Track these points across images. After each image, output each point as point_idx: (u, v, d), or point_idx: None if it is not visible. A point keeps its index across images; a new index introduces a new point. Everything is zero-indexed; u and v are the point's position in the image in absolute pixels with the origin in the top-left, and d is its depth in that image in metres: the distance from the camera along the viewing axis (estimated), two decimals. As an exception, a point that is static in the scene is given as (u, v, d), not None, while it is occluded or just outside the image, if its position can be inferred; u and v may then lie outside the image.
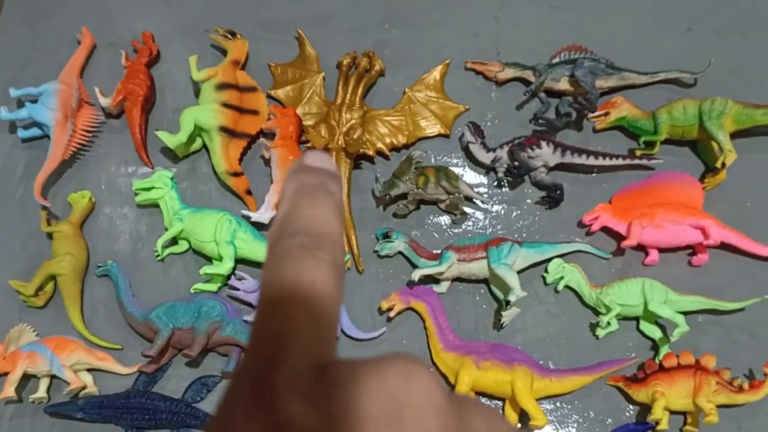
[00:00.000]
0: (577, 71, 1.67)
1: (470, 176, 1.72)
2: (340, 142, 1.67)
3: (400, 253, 1.64)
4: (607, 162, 1.64)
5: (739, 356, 1.51)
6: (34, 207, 1.71)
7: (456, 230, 1.68)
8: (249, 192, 1.71)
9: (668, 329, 1.52)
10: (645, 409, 1.49)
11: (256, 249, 1.61)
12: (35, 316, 1.66)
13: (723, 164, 1.55)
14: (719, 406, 1.42)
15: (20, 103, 1.78)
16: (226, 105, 1.69)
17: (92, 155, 1.80)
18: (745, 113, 1.59)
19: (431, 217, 1.70)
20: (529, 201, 1.69)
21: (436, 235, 1.68)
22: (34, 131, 1.77)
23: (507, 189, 1.70)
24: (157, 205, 1.70)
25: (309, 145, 1.68)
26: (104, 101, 1.76)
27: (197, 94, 1.78)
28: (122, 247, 1.72)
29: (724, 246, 1.56)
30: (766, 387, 1.43)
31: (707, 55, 1.72)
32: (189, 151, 1.76)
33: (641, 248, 1.60)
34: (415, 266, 1.61)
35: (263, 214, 1.63)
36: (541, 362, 1.54)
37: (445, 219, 1.69)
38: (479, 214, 1.69)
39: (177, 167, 1.78)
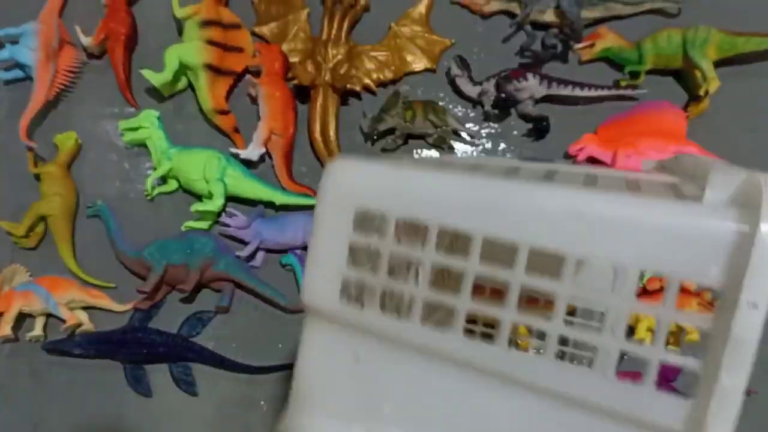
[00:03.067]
0: (563, 1, 1.67)
1: (457, 110, 1.73)
2: (326, 78, 1.66)
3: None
4: (593, 93, 1.66)
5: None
6: (20, 148, 1.71)
7: (444, 164, 1.69)
8: (236, 130, 1.71)
9: None
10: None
11: (246, 186, 1.62)
12: (27, 256, 1.67)
13: (706, 92, 1.57)
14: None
15: (0, 45, 1.74)
16: (210, 42, 1.67)
17: (76, 96, 1.78)
18: (727, 41, 1.61)
19: (419, 152, 1.71)
20: (515, 133, 1.71)
21: (424, 169, 1.69)
22: (17, 73, 1.75)
23: (494, 122, 1.71)
24: (144, 145, 1.70)
25: (296, 81, 1.67)
26: (86, 40, 1.74)
27: (180, 32, 1.76)
28: (111, 187, 1.72)
29: (707, 173, 1.59)
30: (746, 306, 1.47)
31: (692, -16, 1.72)
32: (174, 90, 1.75)
33: (626, 177, 1.62)
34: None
35: (252, 152, 1.63)
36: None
37: (433, 153, 1.70)
38: (467, 148, 1.70)
39: (163, 107, 1.77)
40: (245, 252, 1.58)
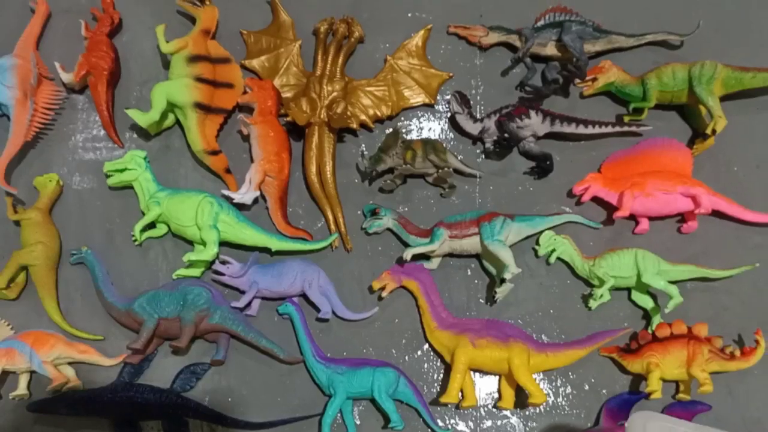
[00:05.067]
0: (566, 36, 1.62)
1: (457, 147, 1.67)
2: (322, 116, 1.60)
3: (389, 229, 1.60)
4: (596, 130, 1.61)
5: (730, 322, 1.53)
6: (-2, 193, 1.61)
7: (444, 203, 1.63)
8: (228, 170, 1.64)
9: (659, 298, 1.52)
10: (637, 378, 1.50)
11: (240, 232, 1.55)
12: (8, 308, 1.58)
13: (713, 131, 1.53)
14: (711, 373, 1.44)
15: (-27, 82, 1.64)
16: (199, 79, 1.59)
17: (56, 134, 1.69)
18: (734, 77, 1.57)
19: (418, 191, 1.65)
20: (518, 171, 1.65)
21: (424, 210, 1.63)
22: (-8, 111, 1.65)
23: (496, 160, 1.65)
24: (131, 187, 1.62)
25: (289, 119, 1.60)
26: (66, 77, 1.65)
27: (166, 65, 1.68)
28: (96, 232, 1.63)
29: (713, 212, 1.56)
30: (758, 354, 1.45)
31: (695, 16, 1.68)
32: (162, 128, 1.67)
33: (631, 217, 1.58)
34: (404, 243, 1.58)
35: (245, 195, 1.56)
36: (533, 336, 1.54)
37: (432, 192, 1.65)
38: (468, 187, 1.65)
39: (149, 145, 1.68)
40: (241, 303, 1.52)
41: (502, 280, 1.48)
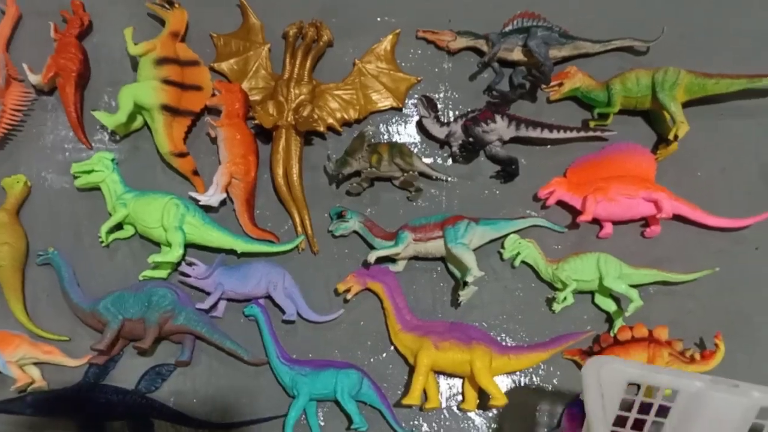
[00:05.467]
0: (531, 42, 1.63)
1: (425, 150, 1.68)
2: (289, 120, 1.60)
3: (356, 232, 1.61)
4: (562, 135, 1.63)
5: (691, 326, 1.55)
6: (-36, 194, 1.61)
7: (411, 207, 1.65)
8: (196, 172, 1.64)
9: (623, 302, 1.54)
10: None
11: (206, 234, 1.56)
12: (-27, 309, 1.58)
13: (675, 136, 1.55)
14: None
15: (-58, 82, 1.65)
16: (166, 81, 1.60)
17: (24, 136, 1.70)
18: (697, 83, 1.59)
19: (386, 194, 1.66)
20: (484, 175, 1.67)
21: (391, 213, 1.64)
22: (-40, 112, 1.65)
23: (462, 163, 1.66)
24: (98, 188, 1.62)
25: (257, 122, 1.61)
26: (34, 78, 1.65)
27: (135, 67, 1.68)
28: (63, 233, 1.64)
29: (676, 216, 1.57)
30: (717, 358, 1.46)
31: (660, 22, 1.69)
32: (130, 129, 1.67)
33: (596, 221, 1.59)
34: (370, 246, 1.59)
35: (212, 197, 1.57)
36: (498, 339, 1.55)
37: (399, 195, 1.66)
38: (435, 190, 1.66)
39: (118, 147, 1.69)
40: (206, 304, 1.52)
41: (465, 283, 1.49)
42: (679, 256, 1.59)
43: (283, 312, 1.54)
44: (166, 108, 1.59)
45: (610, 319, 1.57)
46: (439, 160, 1.68)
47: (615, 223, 1.60)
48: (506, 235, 1.59)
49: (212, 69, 1.72)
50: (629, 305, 1.48)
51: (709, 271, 1.54)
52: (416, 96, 1.68)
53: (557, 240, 1.62)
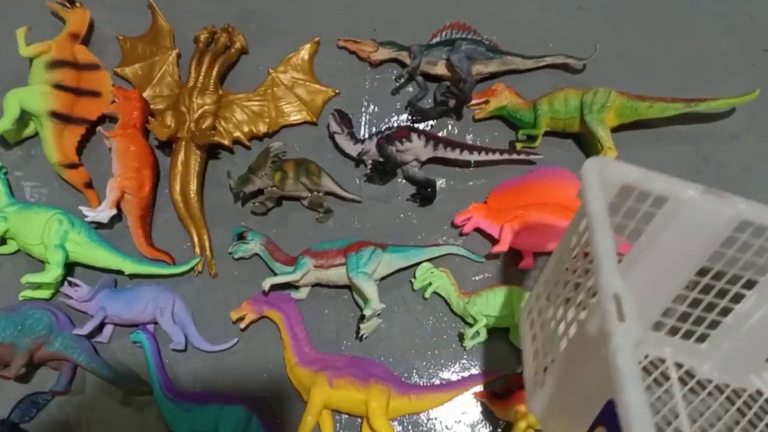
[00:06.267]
0: (453, 56, 1.52)
1: (339, 169, 1.56)
2: (189, 132, 1.49)
3: (258, 255, 1.49)
4: (483, 157, 1.51)
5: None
6: None
7: (321, 228, 1.53)
8: (89, 185, 1.52)
9: None
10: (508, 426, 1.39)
11: (91, 253, 1.44)
12: None
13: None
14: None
15: None
16: (59, 86, 1.49)
17: None
18: (629, 106, 1.48)
19: (294, 214, 1.55)
20: (401, 198, 1.55)
21: (300, 234, 1.53)
22: None
23: (378, 184, 1.55)
24: (-17, 199, 1.50)
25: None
26: None
27: (36, 69, 1.57)
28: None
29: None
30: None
31: (596, 37, 1.58)
32: (22, 136, 1.56)
33: (518, 254, 1.48)
34: (273, 271, 1.47)
35: (101, 213, 1.45)
36: (404, 377, 1.43)
37: (309, 216, 1.54)
38: (346, 212, 1.54)
39: (10, 153, 1.57)
40: (84, 330, 1.40)
41: (363, 316, 1.37)
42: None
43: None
44: (56, 115, 1.48)
45: (526, 359, 1.44)
46: (357, 180, 1.56)
47: (539, 253, 1.48)
48: (418, 264, 1.46)
49: (116, 74, 1.60)
50: None
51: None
52: (334, 110, 1.56)
53: (476, 270, 1.50)
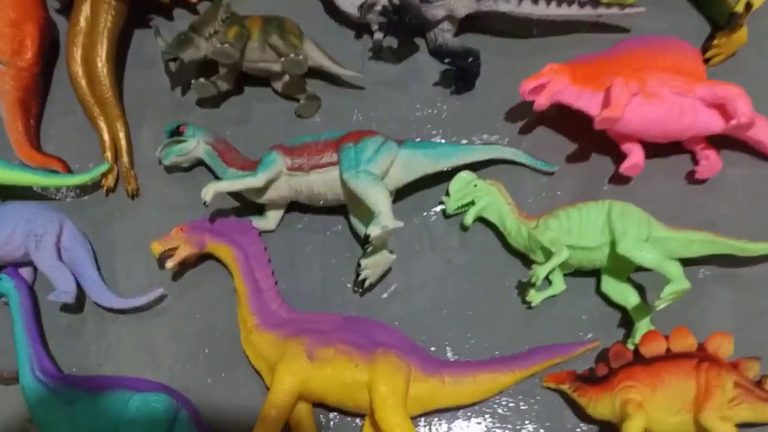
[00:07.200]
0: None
1: (335, 43, 1.06)
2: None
3: (202, 163, 0.97)
4: (554, 11, 1.01)
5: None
6: None
7: (301, 127, 1.04)
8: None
9: (649, 290, 0.94)
10: (607, 429, 0.91)
11: None
12: None
13: (748, 5, 0.90)
14: (740, 426, 0.86)
15: None
16: None
17: None
18: None
19: (262, 105, 1.08)
20: (423, 81, 1.06)
21: (269, 134, 1.05)
22: None
23: (392, 63, 1.06)
24: None
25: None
26: None
27: None
28: None
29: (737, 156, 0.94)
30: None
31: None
32: None
33: (613, 153, 0.96)
34: (218, 178, 0.95)
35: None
36: (431, 350, 0.94)
37: (284, 107, 1.05)
38: (341, 101, 1.06)
39: None
40: None
41: (368, 240, 0.83)
42: (747, 216, 0.99)
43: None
44: None
45: (625, 321, 0.95)
46: (359, 57, 1.05)
47: (648, 151, 0.95)
48: (453, 171, 0.95)
49: None
50: (665, 290, 0.83)
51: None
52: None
53: (539, 188, 1.02)
